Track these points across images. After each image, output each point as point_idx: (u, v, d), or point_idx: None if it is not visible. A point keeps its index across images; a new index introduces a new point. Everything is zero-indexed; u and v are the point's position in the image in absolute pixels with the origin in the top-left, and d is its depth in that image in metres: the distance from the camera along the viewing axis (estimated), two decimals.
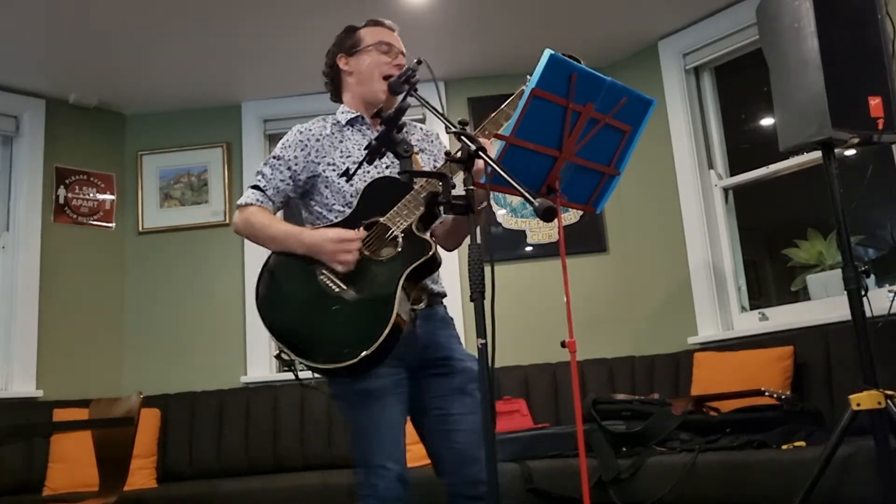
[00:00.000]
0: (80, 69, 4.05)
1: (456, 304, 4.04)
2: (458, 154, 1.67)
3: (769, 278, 5.04)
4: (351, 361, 1.77)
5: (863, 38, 2.49)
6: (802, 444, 2.67)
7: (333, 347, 1.80)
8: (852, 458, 2.38)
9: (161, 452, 3.81)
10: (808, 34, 2.42)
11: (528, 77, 2.02)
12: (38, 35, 3.68)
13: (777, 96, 2.55)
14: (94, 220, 4.34)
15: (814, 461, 2.32)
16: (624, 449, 3.00)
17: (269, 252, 2.02)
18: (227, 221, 4.37)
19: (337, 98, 2.23)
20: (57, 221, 4.21)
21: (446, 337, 2.04)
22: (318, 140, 2.09)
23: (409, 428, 2.02)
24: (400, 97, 1.90)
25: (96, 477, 2.97)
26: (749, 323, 3.78)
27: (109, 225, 4.39)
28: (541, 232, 4.27)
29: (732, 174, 4.02)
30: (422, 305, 1.95)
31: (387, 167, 2.07)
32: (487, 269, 1.55)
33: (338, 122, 2.14)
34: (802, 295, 3.86)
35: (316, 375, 1.91)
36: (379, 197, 1.96)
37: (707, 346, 3.72)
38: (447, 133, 1.73)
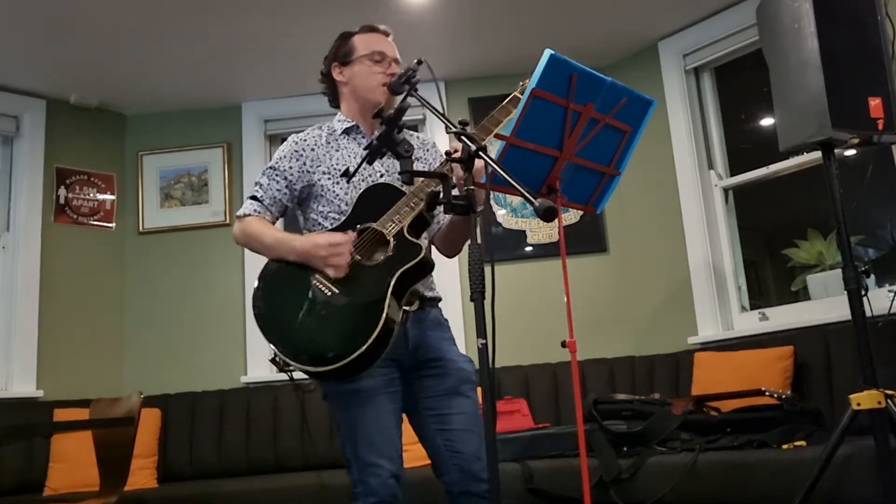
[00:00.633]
0: (80, 69, 4.05)
1: (456, 304, 4.05)
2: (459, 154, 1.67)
3: (769, 278, 5.05)
4: (337, 364, 1.77)
5: (863, 39, 2.49)
6: (802, 443, 2.67)
7: (322, 351, 1.81)
8: (852, 458, 2.38)
9: (161, 452, 3.80)
10: (808, 34, 2.42)
11: (522, 84, 2.04)
12: (38, 35, 3.68)
13: (777, 96, 2.55)
14: (95, 221, 4.34)
15: (814, 461, 2.32)
16: (624, 449, 3.00)
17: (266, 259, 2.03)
18: (228, 221, 4.37)
19: (335, 104, 2.23)
20: (57, 221, 4.21)
21: (437, 339, 2.04)
22: (312, 149, 2.10)
23: (408, 428, 2.03)
24: (400, 97, 1.91)
25: (97, 477, 2.98)
26: (749, 323, 3.78)
27: (110, 225, 4.40)
28: (541, 232, 4.27)
29: (732, 174, 4.02)
30: (413, 307, 1.95)
31: (381, 175, 2.08)
32: (487, 269, 1.55)
33: (334, 130, 2.15)
34: (802, 295, 3.86)
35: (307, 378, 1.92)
36: (373, 203, 1.97)
37: (707, 346, 3.72)
38: (447, 133, 1.73)
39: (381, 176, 2.08)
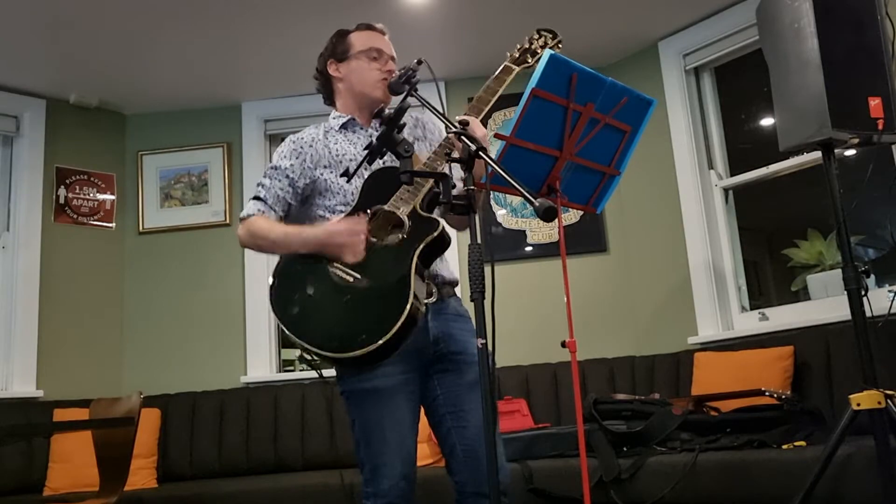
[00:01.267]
0: (80, 69, 4.05)
1: None
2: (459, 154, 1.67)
3: (769, 278, 5.05)
4: (370, 347, 1.74)
5: (863, 39, 2.49)
6: (802, 444, 2.67)
7: (352, 336, 1.77)
8: (852, 458, 2.38)
9: (161, 452, 3.80)
10: (808, 34, 2.42)
11: (509, 55, 2.06)
12: (38, 35, 3.68)
13: (777, 96, 2.55)
14: (95, 220, 4.34)
15: (814, 461, 2.32)
16: (624, 449, 3.00)
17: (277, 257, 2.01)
18: (228, 221, 4.37)
19: (330, 101, 2.23)
20: (57, 221, 4.21)
21: (459, 331, 2.01)
22: (311, 145, 2.09)
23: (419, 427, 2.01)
24: (400, 97, 1.91)
25: (97, 477, 2.98)
26: (749, 323, 3.78)
27: (110, 225, 4.40)
28: (541, 232, 4.27)
29: (732, 174, 4.02)
30: (433, 299, 1.91)
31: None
32: (487, 269, 1.55)
33: (331, 127, 2.15)
34: (802, 295, 3.86)
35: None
36: (380, 188, 1.95)
37: (707, 346, 3.72)
38: (447, 133, 1.73)
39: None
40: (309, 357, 1.83)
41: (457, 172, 1.90)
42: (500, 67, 2.06)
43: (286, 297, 1.90)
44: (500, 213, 4.31)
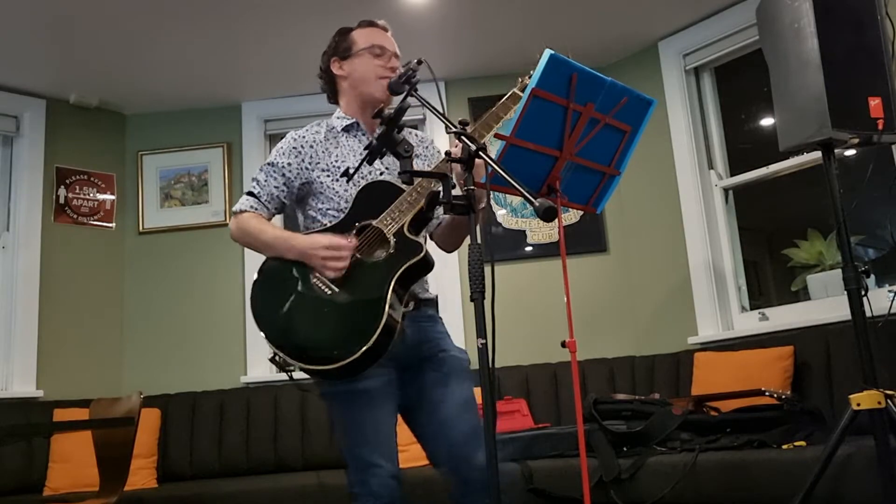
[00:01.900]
0: (80, 69, 4.05)
1: (456, 304, 4.06)
2: (459, 154, 1.67)
3: (769, 278, 5.05)
4: (341, 363, 1.77)
5: (862, 39, 2.49)
6: (802, 444, 2.67)
7: (325, 349, 1.81)
8: (852, 458, 2.38)
9: (161, 452, 3.80)
10: (808, 34, 2.42)
11: (521, 80, 2.05)
12: (38, 35, 3.68)
13: (777, 96, 2.55)
14: (95, 220, 4.34)
15: (814, 461, 2.32)
16: (624, 449, 3.00)
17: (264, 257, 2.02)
18: (227, 222, 4.36)
19: (334, 100, 2.23)
20: (57, 221, 4.21)
21: (433, 332, 2.04)
22: (311, 146, 2.09)
23: (405, 429, 2.02)
24: (400, 97, 1.91)
25: (97, 477, 2.97)
26: (749, 323, 3.78)
27: (110, 225, 4.40)
28: (541, 232, 4.27)
29: (732, 174, 4.02)
30: (409, 308, 1.95)
31: (381, 174, 2.07)
32: (487, 269, 1.55)
33: (333, 128, 2.15)
34: (802, 295, 3.86)
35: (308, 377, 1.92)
36: (372, 200, 1.97)
37: (707, 346, 3.72)
38: (447, 133, 1.73)
39: (381, 174, 2.07)
40: (279, 360, 1.85)
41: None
42: (508, 95, 2.03)
43: (266, 301, 1.93)
44: (500, 213, 4.31)
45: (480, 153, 1.63)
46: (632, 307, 4.15)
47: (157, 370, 4.21)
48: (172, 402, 3.97)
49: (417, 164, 2.14)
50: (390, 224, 1.91)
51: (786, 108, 2.52)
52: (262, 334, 1.88)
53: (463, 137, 1.66)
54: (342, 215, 2.01)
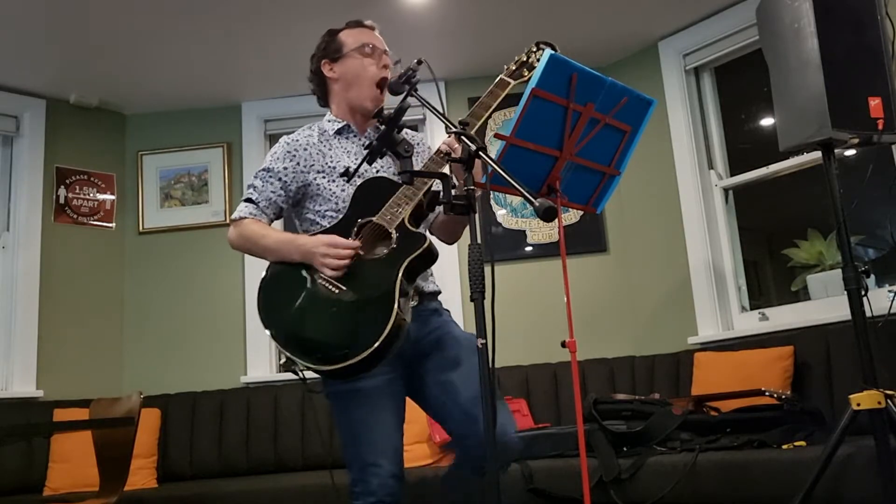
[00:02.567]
0: (80, 69, 4.05)
1: (456, 304, 4.05)
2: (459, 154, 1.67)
3: (769, 278, 5.04)
4: (351, 362, 1.76)
5: (863, 39, 2.49)
6: (802, 444, 2.67)
7: (335, 348, 1.80)
8: (852, 458, 2.38)
9: (161, 452, 3.80)
10: (808, 34, 2.42)
11: (506, 67, 2.05)
12: (38, 35, 3.68)
13: (777, 96, 2.55)
14: (95, 220, 4.34)
15: (814, 461, 2.32)
16: (624, 449, 3.00)
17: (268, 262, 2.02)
18: (228, 222, 4.34)
19: (324, 103, 2.23)
20: (57, 221, 4.21)
21: (438, 322, 2.04)
22: (305, 149, 2.10)
23: (407, 428, 2.02)
24: (400, 97, 1.91)
25: (96, 477, 2.97)
26: (749, 323, 3.78)
27: (110, 225, 4.40)
28: (541, 232, 4.27)
29: (732, 174, 4.02)
30: (413, 303, 1.95)
31: (377, 172, 2.07)
32: (487, 269, 1.55)
33: (325, 131, 2.15)
34: (802, 295, 3.86)
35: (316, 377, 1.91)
36: (370, 198, 1.98)
37: (707, 346, 3.72)
38: (447, 133, 1.73)
39: (377, 172, 2.07)
40: (288, 362, 1.84)
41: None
42: (496, 81, 2.04)
43: (274, 303, 1.93)
44: (500, 213, 4.31)
45: (480, 153, 1.63)
46: (632, 307, 4.15)
47: (157, 370, 4.21)
48: (172, 402, 3.97)
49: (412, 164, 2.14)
50: (391, 218, 1.91)
51: (786, 108, 2.52)
52: (268, 333, 1.88)
53: (463, 137, 1.66)
54: (341, 215, 2.01)
